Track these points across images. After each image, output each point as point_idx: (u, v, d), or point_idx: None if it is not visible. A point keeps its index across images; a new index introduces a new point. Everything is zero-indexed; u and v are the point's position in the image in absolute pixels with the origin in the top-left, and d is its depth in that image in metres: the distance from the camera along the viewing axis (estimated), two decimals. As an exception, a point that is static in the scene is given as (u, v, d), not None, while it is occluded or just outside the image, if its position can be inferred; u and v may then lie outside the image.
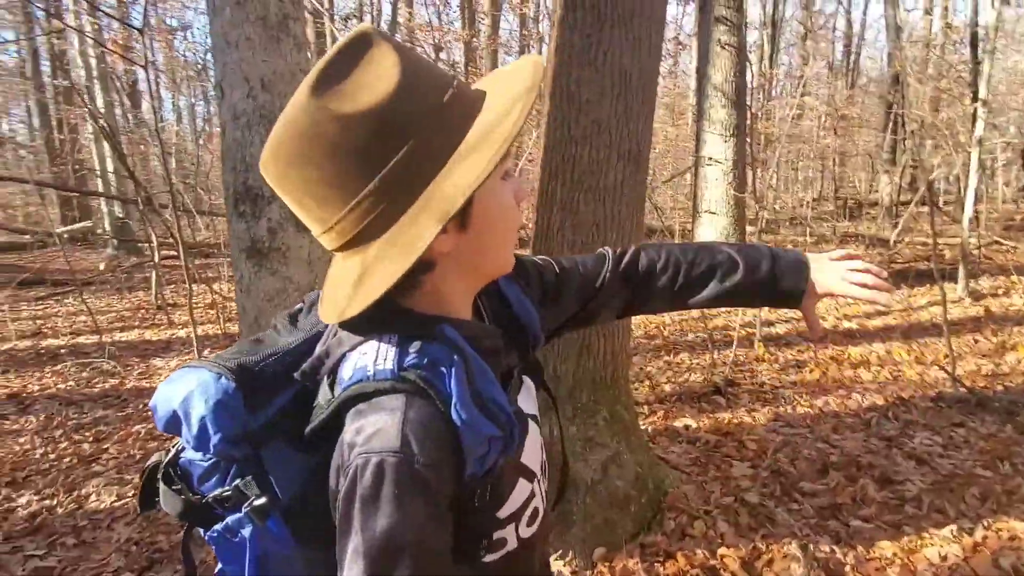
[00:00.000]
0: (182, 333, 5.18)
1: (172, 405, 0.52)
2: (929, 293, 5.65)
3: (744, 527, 2.03)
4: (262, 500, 0.51)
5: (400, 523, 0.44)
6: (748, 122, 5.65)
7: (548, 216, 1.92)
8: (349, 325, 0.52)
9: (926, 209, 10.27)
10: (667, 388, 3.47)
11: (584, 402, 1.94)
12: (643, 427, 2.91)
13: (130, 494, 2.48)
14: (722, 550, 1.89)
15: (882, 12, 12.08)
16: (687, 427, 2.90)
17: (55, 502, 2.43)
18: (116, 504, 2.41)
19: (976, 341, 4.27)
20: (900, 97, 7.62)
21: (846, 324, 4.77)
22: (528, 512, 0.62)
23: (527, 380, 0.67)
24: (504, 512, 0.58)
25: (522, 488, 0.60)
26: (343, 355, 0.53)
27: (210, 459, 0.53)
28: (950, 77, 10.70)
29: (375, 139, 0.47)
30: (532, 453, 0.63)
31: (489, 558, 0.57)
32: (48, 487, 2.55)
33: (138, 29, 2.79)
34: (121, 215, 9.50)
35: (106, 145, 9.06)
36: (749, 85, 6.55)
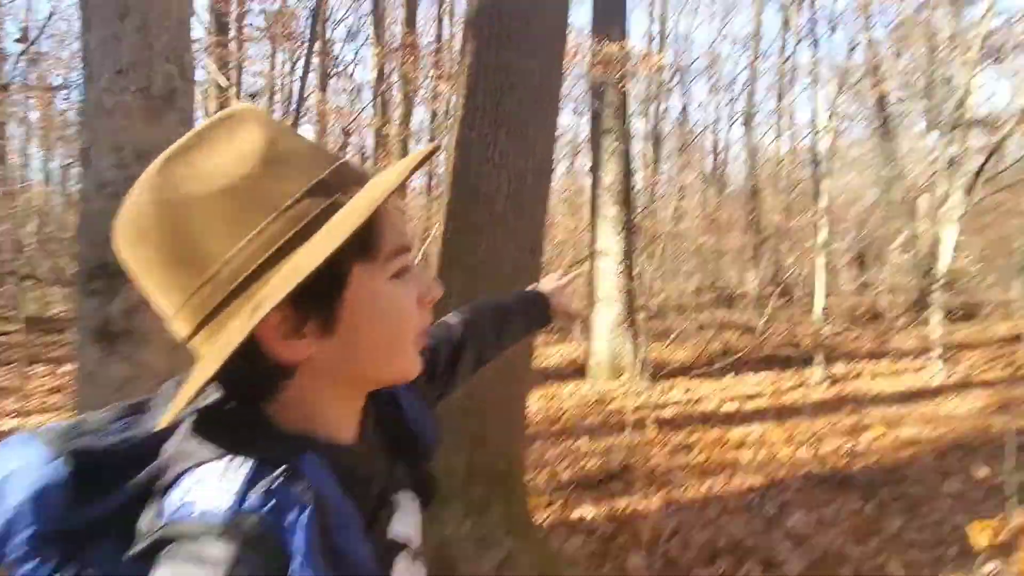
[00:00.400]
0: (12, 423, 4.35)
1: None
2: (794, 376, 6.27)
3: (640, 624, 1.98)
4: None
5: None
6: (636, 219, 6.23)
7: (446, 303, 1.92)
8: (203, 431, 0.44)
9: (788, 300, 11.74)
10: (566, 476, 3.45)
11: (478, 497, 1.85)
12: (542, 518, 2.83)
13: None
14: (619, 653, 1.81)
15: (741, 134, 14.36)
16: (583, 519, 2.86)
17: None
18: None
19: (835, 423, 4.73)
20: (756, 206, 8.87)
21: (727, 406, 5.12)
22: None
23: (405, 498, 0.58)
24: None
25: None
26: (182, 472, 0.43)
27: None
28: (799, 191, 12.76)
29: (221, 224, 0.43)
30: None
31: None
32: None
33: (2, 87, 2.55)
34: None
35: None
36: (636, 187, 7.30)
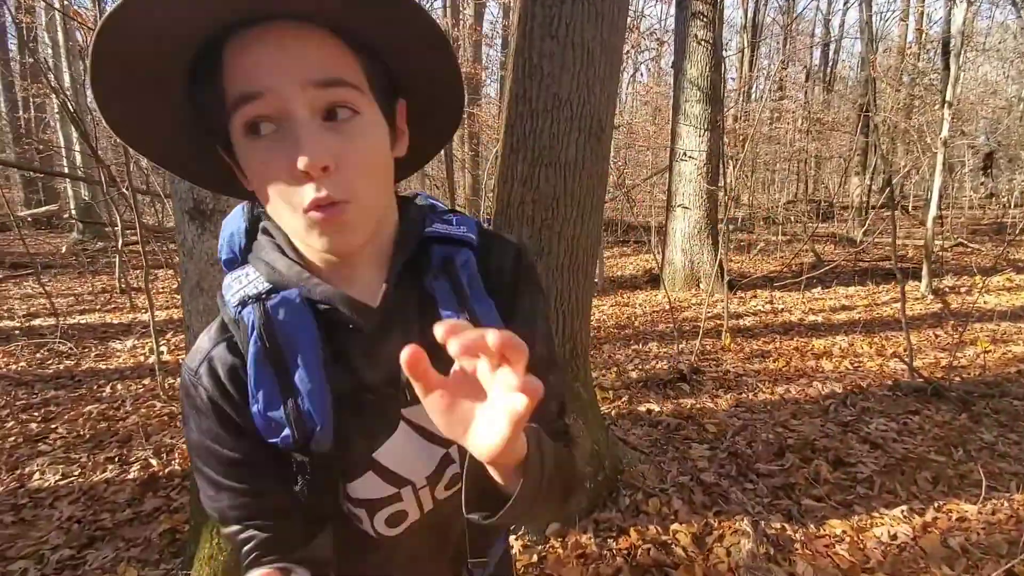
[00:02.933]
0: (144, 317, 5.04)
1: None
2: (893, 290, 5.78)
3: (698, 505, 2.05)
4: None
5: None
6: (723, 117, 5.71)
7: (509, 190, 1.91)
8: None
9: (896, 210, 10.54)
10: (634, 375, 3.49)
11: (541, 379, 1.92)
12: (607, 410, 2.92)
13: (76, 473, 2.40)
14: (675, 526, 1.90)
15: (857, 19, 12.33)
16: (650, 411, 2.91)
17: (-4, 480, 2.34)
18: (60, 483, 2.32)
19: (936, 336, 4.37)
20: (871, 101, 7.79)
21: (812, 318, 4.86)
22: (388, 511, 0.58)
23: None
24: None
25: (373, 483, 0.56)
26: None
27: None
28: (923, 84, 10.99)
29: None
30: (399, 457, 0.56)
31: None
32: (-11, 466, 2.45)
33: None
34: (87, 198, 9.20)
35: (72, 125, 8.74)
36: (728, 85, 6.56)
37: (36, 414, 3.00)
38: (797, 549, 1.86)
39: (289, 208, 0.44)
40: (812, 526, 1.98)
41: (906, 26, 13.54)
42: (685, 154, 5.58)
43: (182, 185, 1.47)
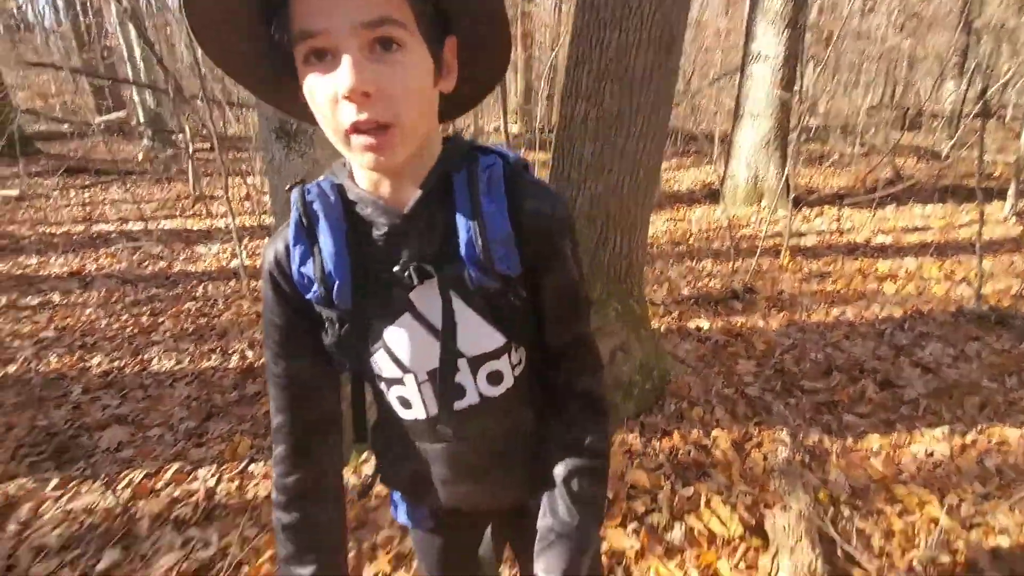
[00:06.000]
0: (221, 223, 5.40)
1: None
2: (975, 211, 5.38)
3: (740, 415, 2.18)
4: None
5: None
6: (805, 13, 5.14)
7: (572, 105, 1.90)
8: None
9: (991, 121, 9.44)
10: (685, 292, 3.54)
11: (596, 295, 2.03)
12: (657, 325, 3.03)
13: (186, 360, 2.77)
14: (716, 432, 2.06)
15: None
16: (699, 328, 3.00)
17: (123, 363, 2.75)
18: (176, 368, 2.71)
19: (1012, 262, 4.14)
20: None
21: (880, 238, 4.65)
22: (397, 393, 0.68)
23: (430, 287, 0.61)
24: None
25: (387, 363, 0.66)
26: None
27: None
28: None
29: None
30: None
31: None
32: (115, 351, 2.87)
33: None
34: (154, 105, 9.50)
35: (132, 31, 8.86)
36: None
37: (144, 309, 3.41)
38: (832, 459, 1.98)
39: (332, 129, 0.51)
40: (850, 440, 2.09)
41: None
42: (760, 55, 5.15)
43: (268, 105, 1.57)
